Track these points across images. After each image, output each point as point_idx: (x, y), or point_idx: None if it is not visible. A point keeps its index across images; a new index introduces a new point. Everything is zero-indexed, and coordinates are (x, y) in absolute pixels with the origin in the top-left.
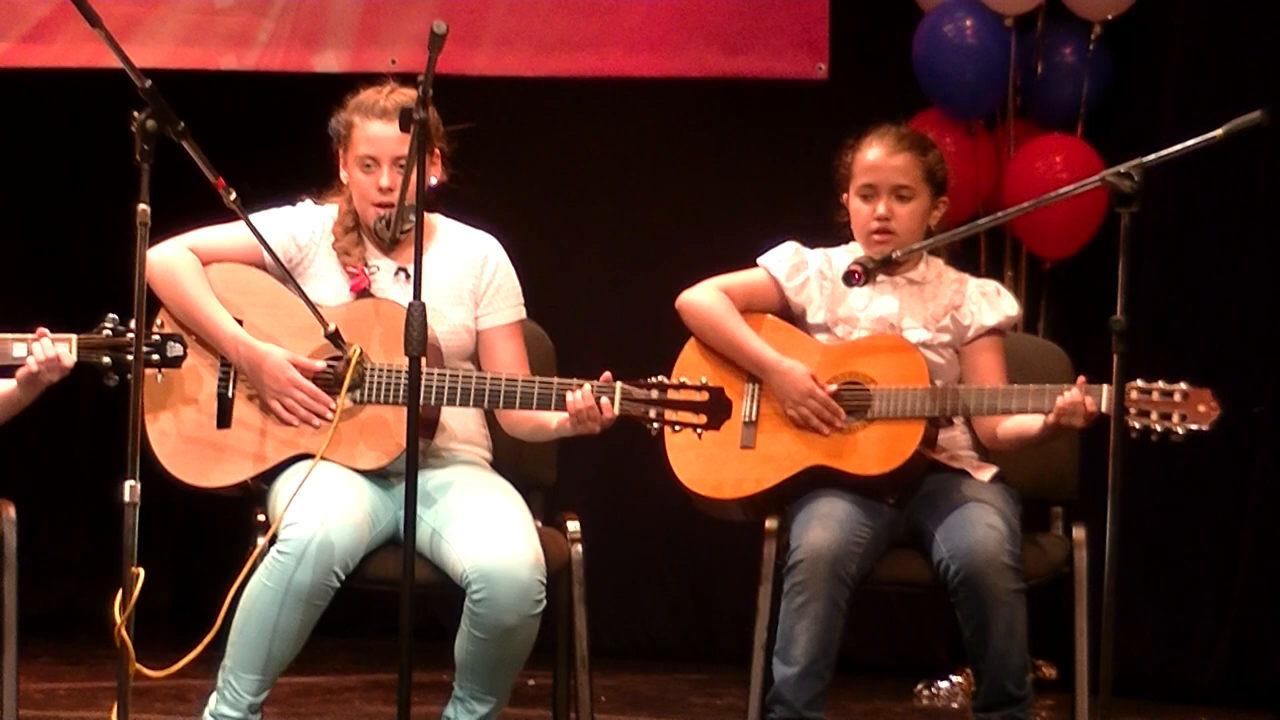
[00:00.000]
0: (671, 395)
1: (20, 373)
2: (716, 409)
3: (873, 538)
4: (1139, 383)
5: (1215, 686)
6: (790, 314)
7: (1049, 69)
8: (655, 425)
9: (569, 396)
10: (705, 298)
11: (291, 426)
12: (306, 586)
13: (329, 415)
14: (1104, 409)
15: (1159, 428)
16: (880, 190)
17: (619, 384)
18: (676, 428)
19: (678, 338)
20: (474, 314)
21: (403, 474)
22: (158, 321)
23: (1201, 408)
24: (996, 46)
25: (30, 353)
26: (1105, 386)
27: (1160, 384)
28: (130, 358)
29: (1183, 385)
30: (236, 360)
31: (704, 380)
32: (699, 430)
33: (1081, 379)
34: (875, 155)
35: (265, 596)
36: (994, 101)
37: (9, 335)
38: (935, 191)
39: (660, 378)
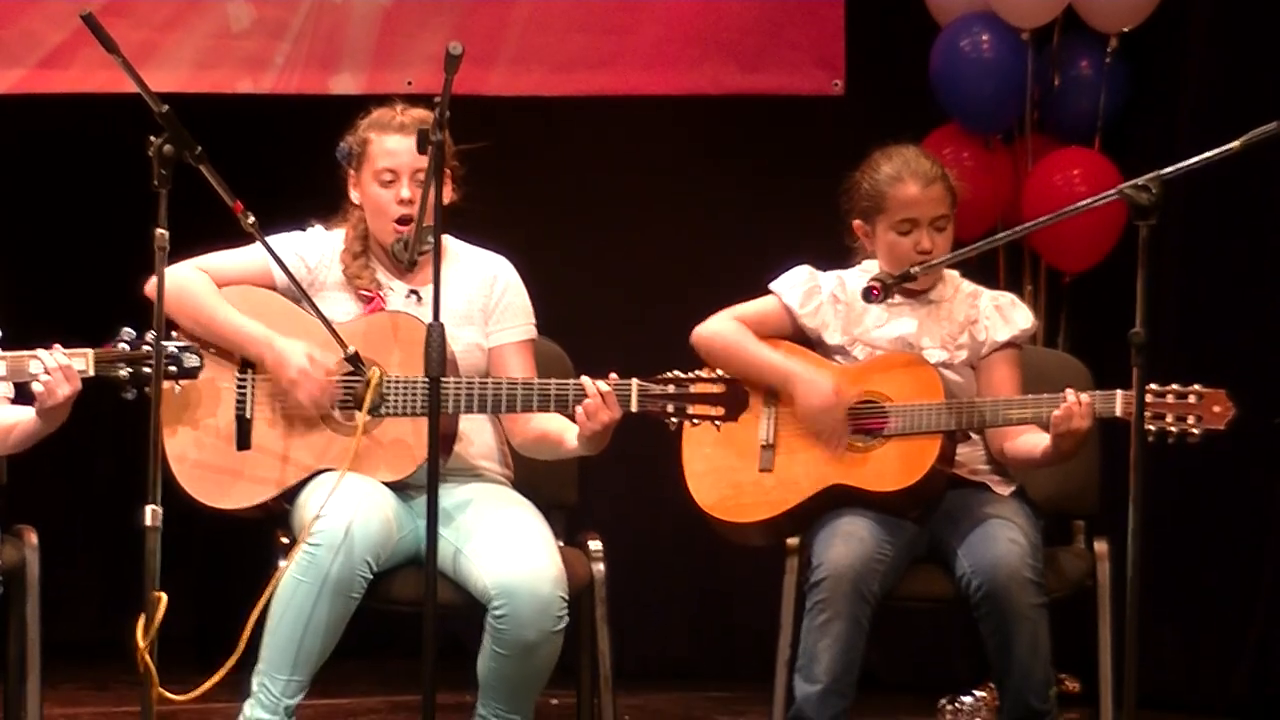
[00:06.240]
0: (688, 388)
1: (36, 403)
2: (733, 401)
3: (895, 555)
4: (1153, 386)
5: (1240, 699)
6: (805, 338)
7: (1066, 82)
8: (674, 420)
9: (586, 396)
10: (719, 326)
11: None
12: (340, 577)
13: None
14: (1119, 414)
15: (1175, 429)
16: (921, 223)
17: (635, 380)
18: (695, 421)
19: (697, 356)
20: (484, 332)
21: (423, 487)
22: (173, 334)
23: (1216, 408)
24: (1013, 60)
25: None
26: (1120, 392)
27: (1175, 386)
28: (147, 369)
29: (1197, 387)
30: (260, 358)
31: (719, 373)
32: (717, 422)
33: (1070, 390)
34: (914, 191)
35: (301, 591)
36: (1012, 115)
37: (24, 353)
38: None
39: (675, 372)
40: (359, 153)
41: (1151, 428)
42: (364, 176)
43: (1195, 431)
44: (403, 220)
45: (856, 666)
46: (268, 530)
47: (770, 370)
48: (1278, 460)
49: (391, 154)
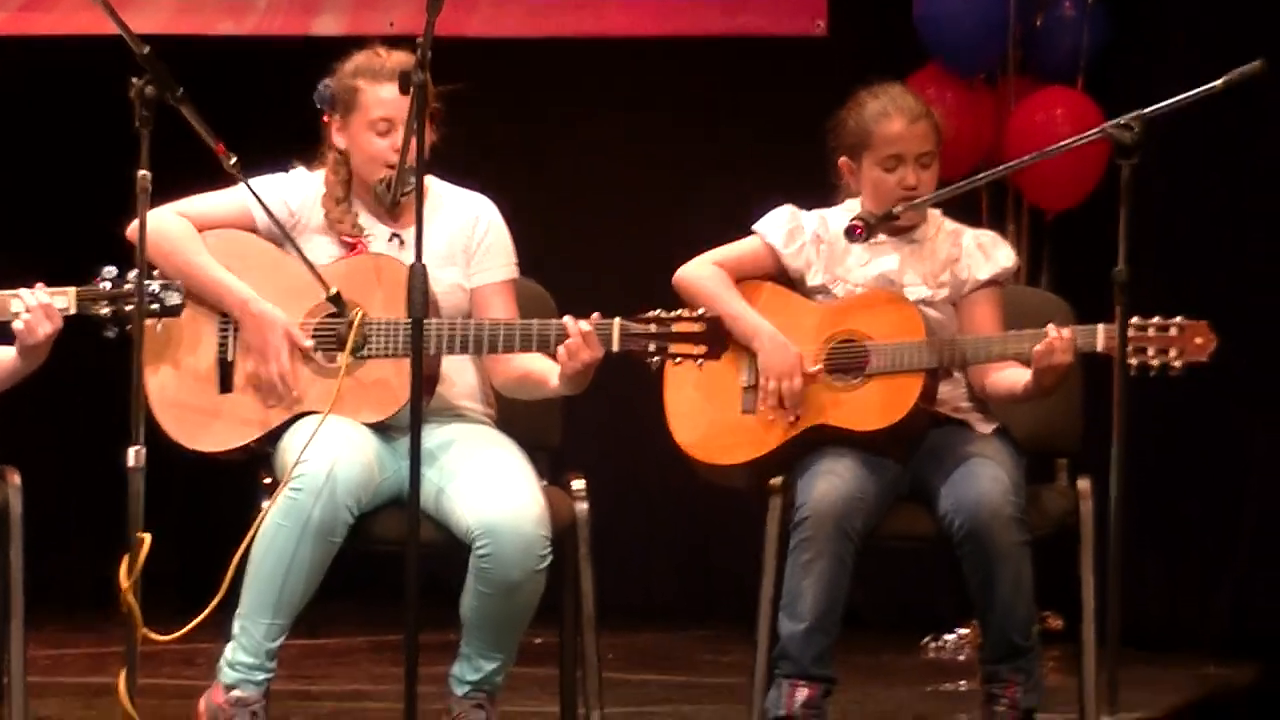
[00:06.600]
0: (670, 327)
1: (17, 342)
2: (715, 339)
3: (878, 494)
4: (1135, 319)
5: (1222, 636)
6: (788, 278)
7: (1049, 22)
8: (656, 359)
9: (569, 335)
10: (701, 271)
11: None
12: (322, 520)
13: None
14: (1100, 348)
15: (1156, 362)
16: (906, 159)
17: (617, 320)
18: (677, 359)
19: (679, 295)
20: (466, 273)
21: (405, 428)
22: (154, 273)
23: (1199, 340)
24: (996, 1)
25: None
26: (1101, 326)
27: (1157, 319)
28: (128, 307)
29: (1179, 319)
30: (241, 318)
31: (701, 312)
32: (700, 360)
33: (1051, 325)
34: (899, 127)
35: (282, 535)
36: (994, 56)
37: (6, 292)
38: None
39: (658, 311)
40: (346, 100)
41: (1133, 361)
42: (354, 124)
43: (1177, 365)
44: (393, 167)
45: (840, 604)
46: (251, 471)
47: (741, 324)
48: (1259, 401)
49: (386, 103)
